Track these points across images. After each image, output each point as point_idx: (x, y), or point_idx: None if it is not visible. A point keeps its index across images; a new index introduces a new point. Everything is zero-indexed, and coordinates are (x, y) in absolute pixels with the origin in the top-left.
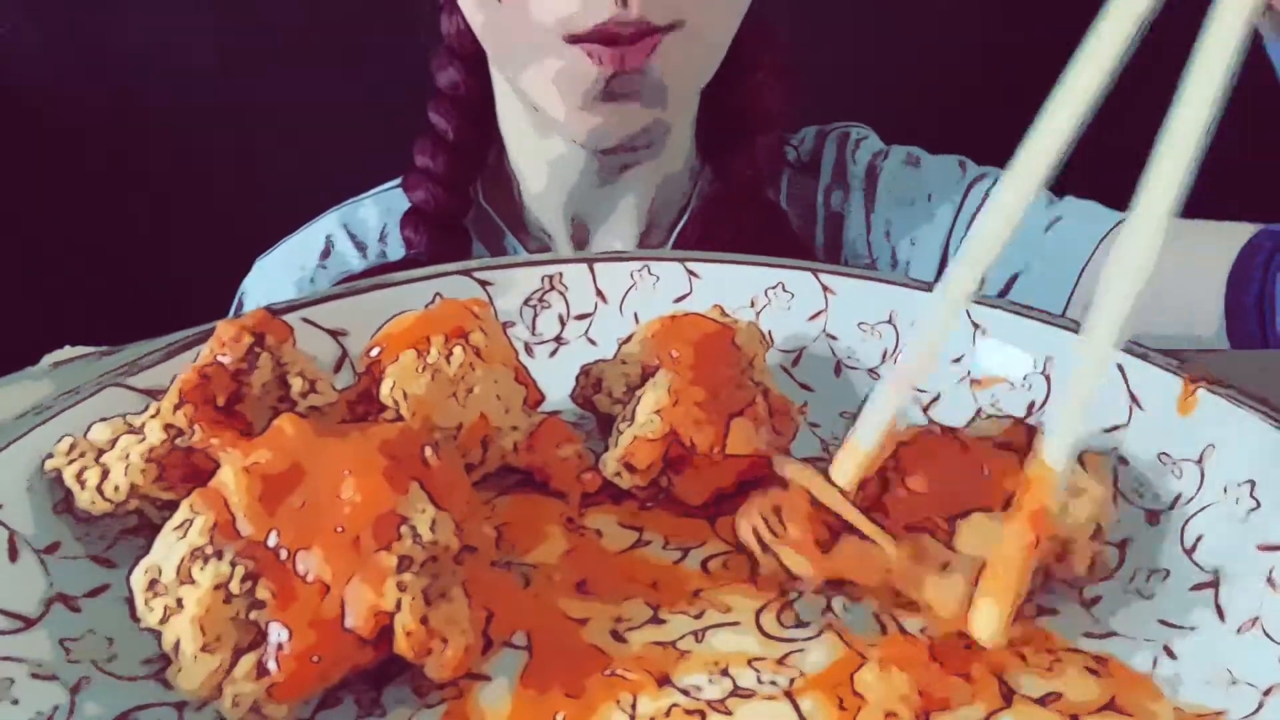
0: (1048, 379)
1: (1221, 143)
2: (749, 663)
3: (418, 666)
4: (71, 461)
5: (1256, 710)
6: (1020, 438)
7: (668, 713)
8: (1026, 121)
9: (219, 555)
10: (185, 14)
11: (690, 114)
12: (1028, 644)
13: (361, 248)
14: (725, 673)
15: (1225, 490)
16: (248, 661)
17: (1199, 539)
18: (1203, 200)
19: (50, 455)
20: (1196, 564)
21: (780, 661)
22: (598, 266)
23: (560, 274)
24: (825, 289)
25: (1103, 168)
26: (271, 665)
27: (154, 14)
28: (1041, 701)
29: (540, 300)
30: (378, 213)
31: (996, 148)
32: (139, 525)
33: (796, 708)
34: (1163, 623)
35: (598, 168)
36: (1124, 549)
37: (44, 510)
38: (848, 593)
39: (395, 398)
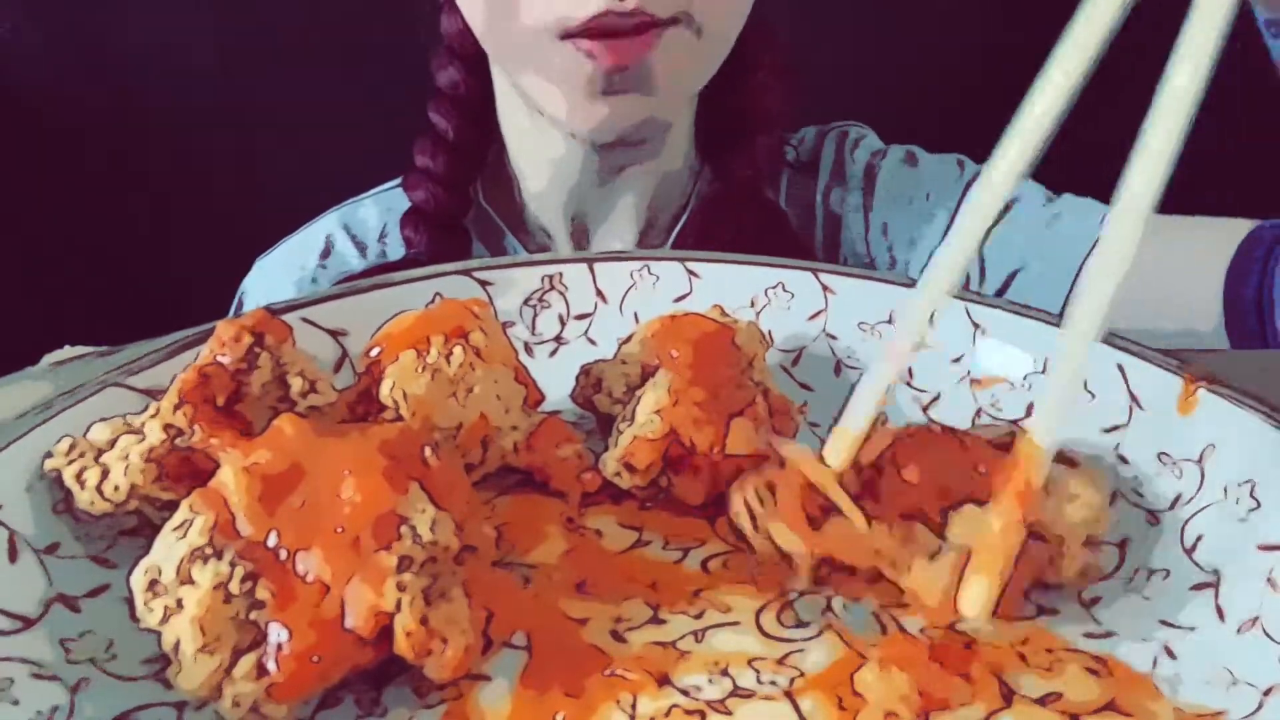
0: None
1: (1221, 141)
2: (749, 663)
3: (418, 666)
4: (71, 461)
5: (1256, 710)
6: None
7: (668, 713)
8: None
9: (219, 555)
10: (185, 14)
11: (690, 113)
12: (1027, 644)
13: (361, 248)
14: (725, 673)
15: (1225, 490)
16: (247, 662)
17: (1199, 539)
18: (1203, 199)
19: (50, 455)
20: (1196, 564)
21: (780, 661)
22: (598, 266)
23: (560, 274)
24: (825, 289)
25: (1102, 167)
26: (271, 665)
27: (154, 14)
28: (1041, 701)
29: (540, 300)
30: (378, 213)
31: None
32: (139, 525)
33: (796, 708)
34: (1163, 623)
35: (598, 167)
36: (1124, 549)
37: (44, 510)
38: (846, 591)
39: (395, 398)
